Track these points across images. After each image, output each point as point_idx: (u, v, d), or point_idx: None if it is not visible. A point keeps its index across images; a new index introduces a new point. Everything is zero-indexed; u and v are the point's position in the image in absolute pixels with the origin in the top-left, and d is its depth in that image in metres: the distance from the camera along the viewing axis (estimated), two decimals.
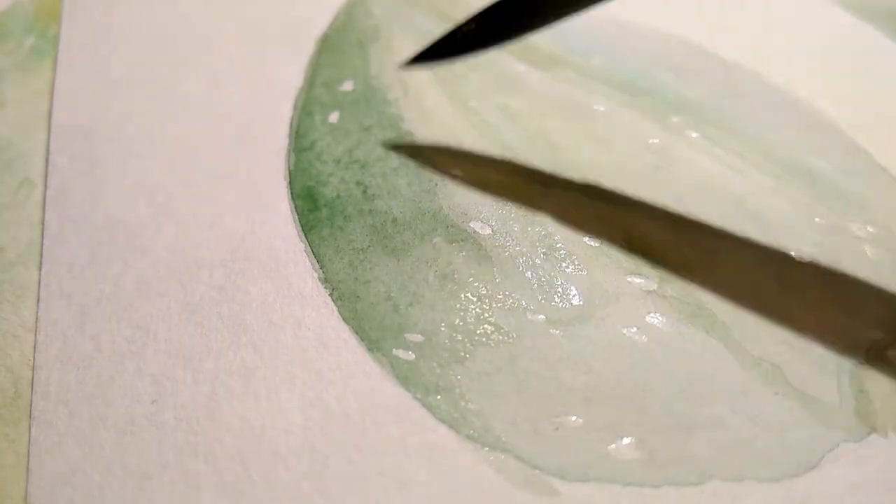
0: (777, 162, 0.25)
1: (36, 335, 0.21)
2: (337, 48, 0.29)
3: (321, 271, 0.22)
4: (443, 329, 0.20)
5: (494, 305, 0.21)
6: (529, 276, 0.21)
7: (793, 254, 0.22)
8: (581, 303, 0.21)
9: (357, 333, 0.20)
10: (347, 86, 0.28)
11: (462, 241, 0.22)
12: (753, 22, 0.32)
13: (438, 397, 0.19)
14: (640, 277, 0.21)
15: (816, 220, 0.23)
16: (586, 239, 0.22)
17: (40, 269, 0.22)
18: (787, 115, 0.27)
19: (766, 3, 0.33)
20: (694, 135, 0.26)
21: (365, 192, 0.24)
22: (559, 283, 0.21)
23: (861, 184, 0.24)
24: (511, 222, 0.23)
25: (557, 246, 0.22)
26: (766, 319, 0.21)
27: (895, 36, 0.31)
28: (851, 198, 0.24)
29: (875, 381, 0.19)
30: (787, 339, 0.20)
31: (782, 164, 0.25)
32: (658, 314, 0.21)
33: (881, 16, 0.32)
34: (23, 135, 0.26)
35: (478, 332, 0.20)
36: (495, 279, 0.21)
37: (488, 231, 0.22)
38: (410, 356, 0.20)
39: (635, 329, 0.20)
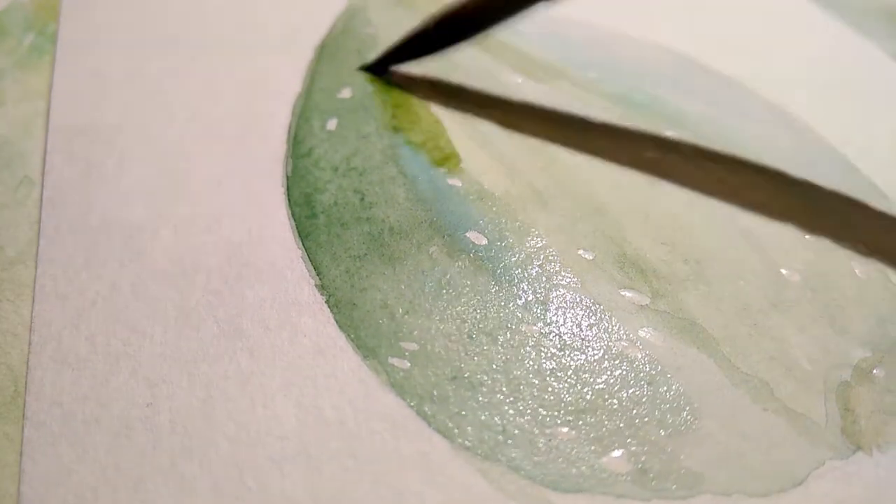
0: (769, 177, 0.25)
1: (30, 335, 0.21)
2: (335, 55, 0.30)
3: (318, 278, 0.22)
4: (438, 338, 0.20)
5: (489, 315, 0.21)
6: (525, 287, 0.22)
7: (783, 271, 0.22)
8: (575, 315, 0.21)
9: (353, 341, 0.20)
10: (346, 93, 0.28)
11: (458, 250, 0.22)
12: (750, 36, 0.32)
13: (433, 406, 0.19)
14: (633, 291, 0.22)
15: (807, 237, 0.23)
16: (581, 252, 0.23)
17: (36, 268, 0.22)
18: (780, 130, 0.27)
19: (762, 18, 0.33)
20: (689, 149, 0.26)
21: (362, 199, 0.24)
22: (553, 295, 0.21)
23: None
24: (507, 233, 0.23)
25: (552, 258, 0.22)
26: (755, 336, 0.21)
27: (889, 52, 0.31)
28: (842, 215, 0.24)
29: (861, 399, 0.20)
30: (776, 355, 0.20)
31: (774, 180, 0.25)
32: (650, 328, 0.21)
33: (877, 30, 0.32)
34: (22, 133, 0.26)
35: (473, 341, 0.20)
36: (491, 289, 0.21)
37: (484, 241, 0.23)
38: (406, 364, 0.20)
39: (627, 343, 0.21)
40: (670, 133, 0.27)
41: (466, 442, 0.18)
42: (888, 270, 0.23)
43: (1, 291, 0.22)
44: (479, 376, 0.20)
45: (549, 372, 0.20)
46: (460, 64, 0.29)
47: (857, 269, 0.23)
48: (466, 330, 0.21)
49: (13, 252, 0.22)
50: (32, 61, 0.29)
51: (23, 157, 0.25)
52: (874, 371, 0.20)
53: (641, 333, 0.21)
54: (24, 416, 0.19)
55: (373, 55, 0.29)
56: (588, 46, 0.31)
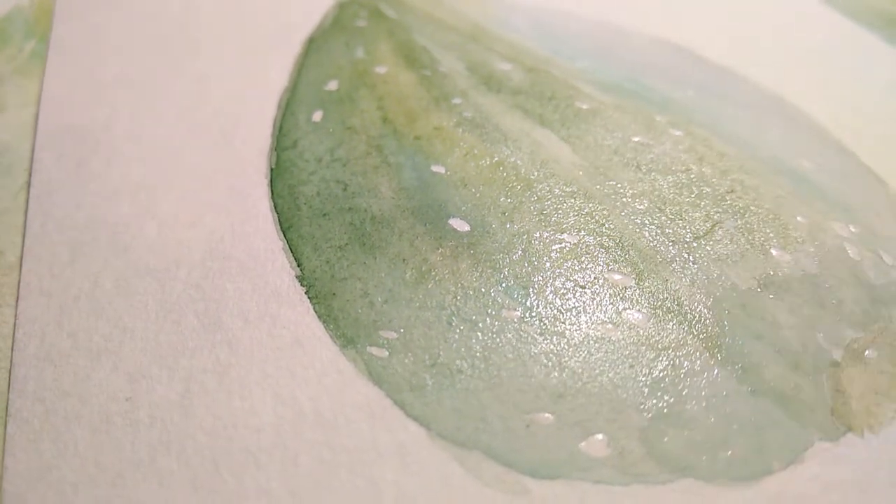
0: (761, 161, 0.25)
1: (14, 332, 0.21)
2: (323, 48, 0.29)
3: (299, 269, 0.22)
4: (417, 326, 0.20)
5: (470, 302, 0.21)
6: (506, 272, 0.21)
7: (773, 251, 0.22)
8: (557, 299, 0.21)
9: (332, 331, 0.20)
10: (332, 85, 0.28)
11: (440, 238, 0.22)
12: (741, 24, 0.32)
13: (411, 394, 0.19)
14: (618, 273, 0.21)
15: (799, 218, 0.23)
16: (565, 235, 0.22)
17: (20, 267, 0.22)
18: (773, 116, 0.27)
19: (754, 6, 0.33)
20: (678, 133, 0.26)
21: (345, 189, 0.24)
22: (536, 279, 0.21)
23: (846, 184, 0.24)
24: (490, 219, 0.23)
25: (535, 242, 0.22)
26: (744, 317, 0.20)
27: (882, 36, 0.31)
28: (835, 198, 0.24)
29: (852, 380, 0.19)
30: (765, 336, 0.20)
31: (766, 163, 0.25)
32: (634, 310, 0.20)
33: (869, 16, 0.32)
34: (23, 139, 0.26)
35: (452, 328, 0.20)
36: (472, 276, 0.21)
37: (466, 228, 0.22)
38: (384, 353, 0.20)
39: (611, 325, 0.20)
40: (659, 118, 0.26)
41: (444, 430, 0.18)
42: (881, 250, 0.22)
43: (1, 296, 0.22)
44: (457, 363, 0.19)
45: (529, 357, 0.19)
46: (449, 51, 0.29)
47: (850, 249, 0.22)
48: (446, 317, 0.20)
49: (13, 257, 0.23)
50: (33, 68, 0.29)
51: (23, 163, 0.25)
52: (866, 352, 0.20)
53: (625, 315, 0.20)
54: (7, 413, 0.19)
55: (360, 49, 0.29)
56: (577, 37, 0.30)
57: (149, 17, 0.31)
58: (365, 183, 0.24)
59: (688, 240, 0.22)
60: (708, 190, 0.24)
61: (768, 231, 0.22)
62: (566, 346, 0.20)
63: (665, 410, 0.18)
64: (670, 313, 0.20)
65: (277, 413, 0.19)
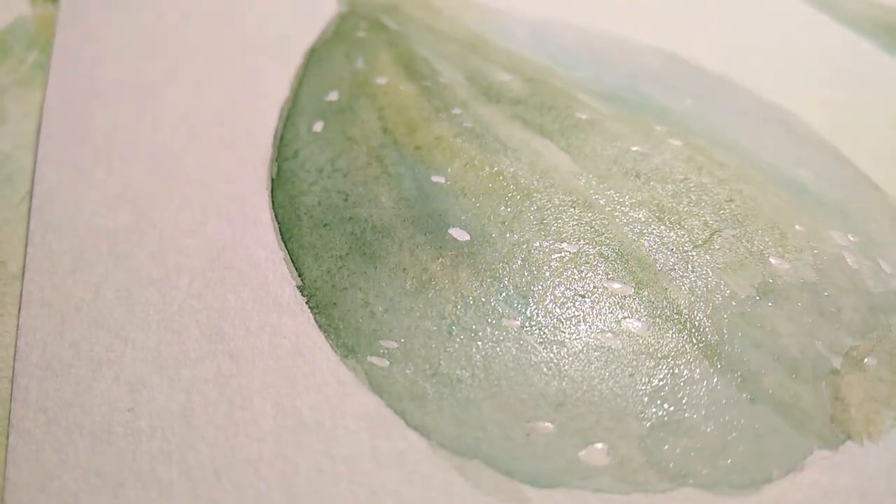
0: (759, 169, 0.25)
1: (16, 342, 0.21)
2: (324, 59, 0.30)
3: (300, 279, 0.22)
4: (418, 335, 0.20)
5: (470, 311, 0.21)
6: (506, 282, 0.21)
7: (772, 260, 0.22)
8: (557, 308, 0.21)
9: (332, 340, 0.20)
10: (333, 96, 0.28)
11: (440, 247, 0.22)
12: (739, 33, 0.32)
13: (411, 404, 0.19)
14: (617, 282, 0.21)
15: (797, 227, 0.23)
16: (564, 244, 0.22)
17: (22, 277, 0.22)
18: (771, 125, 0.27)
19: (752, 15, 0.33)
20: (677, 143, 0.26)
21: (346, 199, 0.24)
22: (536, 288, 0.21)
23: (844, 193, 0.24)
24: (490, 228, 0.23)
25: (535, 252, 0.22)
26: (743, 325, 0.20)
27: (880, 45, 0.31)
28: (833, 206, 0.24)
29: (852, 388, 0.19)
30: (764, 344, 0.20)
31: (764, 172, 0.25)
32: (634, 319, 0.21)
33: (867, 25, 0.32)
34: (24, 150, 0.26)
35: (452, 337, 0.20)
36: (472, 285, 0.21)
37: (466, 237, 0.22)
38: (385, 363, 0.20)
39: (610, 334, 0.20)
40: (658, 128, 0.26)
41: (444, 439, 0.18)
42: (879, 259, 0.22)
43: (3, 306, 0.22)
44: (458, 372, 0.19)
45: (529, 366, 0.19)
46: (449, 62, 0.29)
47: (848, 257, 0.22)
48: (446, 327, 0.20)
49: (15, 267, 0.23)
50: (35, 78, 0.29)
51: (25, 174, 0.25)
52: (865, 360, 0.20)
53: (625, 324, 0.20)
54: (9, 423, 0.19)
55: (361, 59, 0.29)
56: (576, 46, 0.30)
57: (150, 27, 0.31)
58: (365, 193, 0.24)
59: (687, 248, 0.22)
60: (706, 199, 0.24)
61: (767, 239, 0.22)
62: (566, 355, 0.20)
63: (665, 419, 0.18)
64: (669, 322, 0.20)
65: (278, 422, 0.19)
